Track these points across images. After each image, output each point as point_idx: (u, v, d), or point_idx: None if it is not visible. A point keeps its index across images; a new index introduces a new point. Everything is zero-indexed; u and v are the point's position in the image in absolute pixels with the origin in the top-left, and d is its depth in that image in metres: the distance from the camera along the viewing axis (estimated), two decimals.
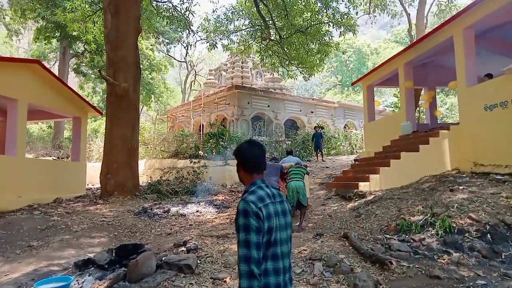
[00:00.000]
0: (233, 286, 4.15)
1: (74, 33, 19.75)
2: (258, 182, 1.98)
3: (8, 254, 5.88)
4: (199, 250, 5.47)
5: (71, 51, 25.66)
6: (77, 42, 24.21)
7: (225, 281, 4.27)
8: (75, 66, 26.53)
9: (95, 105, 17.66)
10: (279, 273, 1.85)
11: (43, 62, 12.34)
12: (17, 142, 9.81)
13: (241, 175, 2.07)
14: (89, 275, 4.48)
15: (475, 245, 4.83)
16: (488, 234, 4.97)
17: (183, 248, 5.58)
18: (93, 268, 4.67)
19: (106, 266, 4.60)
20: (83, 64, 26.37)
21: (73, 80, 35.30)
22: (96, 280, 4.33)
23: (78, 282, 4.31)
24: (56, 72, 20.57)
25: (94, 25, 16.58)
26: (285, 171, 8.04)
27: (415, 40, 12.51)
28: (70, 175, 11.94)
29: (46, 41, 22.83)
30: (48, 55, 31.15)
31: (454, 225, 5.24)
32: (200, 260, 4.97)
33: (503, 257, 4.61)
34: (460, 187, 6.85)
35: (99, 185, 11.83)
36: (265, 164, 2.08)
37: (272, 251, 1.84)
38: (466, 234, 5.07)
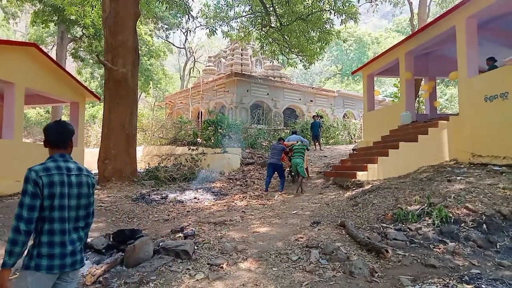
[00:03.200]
0: (230, 272, 4.18)
1: (72, 17, 19.51)
2: (56, 156, 2.29)
3: (6, 238, 5.89)
4: (196, 236, 5.50)
5: (69, 36, 25.33)
6: (75, 26, 23.89)
7: (222, 267, 4.30)
8: (73, 50, 26.21)
9: (93, 90, 17.51)
10: (64, 233, 2.20)
11: (40, 46, 12.19)
12: (14, 126, 9.76)
13: (47, 149, 2.36)
14: (86, 259, 4.50)
15: (471, 235, 4.86)
16: (484, 224, 5.00)
17: (181, 234, 5.60)
18: (90, 252, 4.69)
19: (104, 250, 4.62)
20: (81, 49, 26.06)
21: (71, 65, 35.01)
22: (93, 264, 4.35)
23: None
24: (53, 56, 20.34)
25: (93, 9, 16.36)
26: (288, 149, 10.43)
27: (416, 30, 12.38)
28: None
29: (44, 24, 22.50)
30: (46, 39, 30.75)
31: (451, 215, 5.26)
32: (197, 246, 4.99)
33: (498, 247, 4.64)
34: (458, 178, 6.87)
35: (96, 171, 11.82)
36: (65, 142, 2.35)
37: (60, 215, 2.18)
38: (462, 224, 5.10)
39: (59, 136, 2.33)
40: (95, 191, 9.54)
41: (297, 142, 10.35)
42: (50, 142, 2.33)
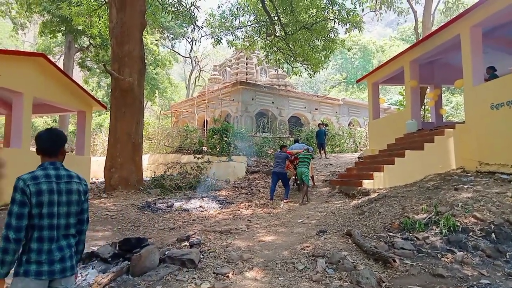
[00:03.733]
0: (236, 281, 4.16)
1: (80, 27, 19.78)
2: (46, 164, 2.30)
3: None
4: (202, 245, 5.48)
5: (76, 45, 25.67)
6: (82, 36, 24.22)
7: (227, 276, 4.28)
8: (80, 60, 26.54)
9: (99, 99, 17.68)
10: (53, 240, 2.21)
11: (48, 56, 12.37)
12: (23, 135, 9.87)
13: (39, 156, 2.37)
14: (92, 268, 4.50)
15: (479, 244, 4.80)
16: (493, 234, 4.93)
17: (186, 243, 5.58)
18: (96, 261, 4.69)
19: (110, 259, 4.61)
20: (88, 59, 26.37)
21: (78, 75, 35.37)
22: (99, 273, 4.34)
23: (81, 275, 4.33)
24: (61, 66, 20.60)
25: (100, 19, 16.58)
26: (292, 157, 10.43)
27: (421, 38, 12.40)
28: (74, 168, 11.72)
29: (52, 35, 22.82)
30: (54, 49, 31.17)
31: (459, 224, 5.21)
32: (203, 255, 4.97)
33: (507, 256, 4.57)
34: (465, 186, 6.81)
35: (103, 179, 11.88)
36: (56, 150, 2.35)
37: (49, 222, 2.19)
38: (471, 233, 5.04)
39: (50, 144, 2.34)
40: (101, 200, 9.62)
41: (302, 151, 10.28)
42: (41, 150, 2.35)
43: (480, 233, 4.99)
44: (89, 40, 24.08)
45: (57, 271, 2.21)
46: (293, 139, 13.26)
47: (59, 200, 2.25)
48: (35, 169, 2.30)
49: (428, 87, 14.07)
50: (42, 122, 33.01)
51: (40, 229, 2.19)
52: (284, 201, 9.64)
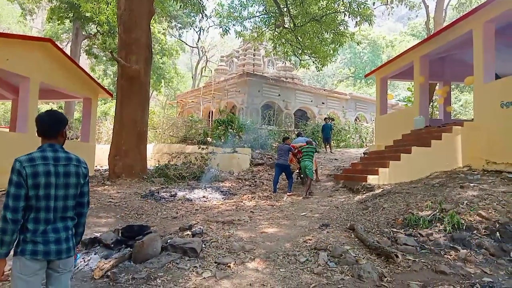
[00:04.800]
0: (237, 271, 4.16)
1: (87, 14, 19.73)
2: (44, 146, 2.30)
3: None
4: (204, 235, 5.49)
5: (83, 33, 25.66)
6: (90, 23, 24.16)
7: (229, 266, 4.28)
8: (87, 47, 26.54)
9: (105, 87, 17.69)
10: (49, 222, 2.23)
11: (55, 43, 12.35)
12: (28, 120, 9.90)
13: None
14: (95, 254, 4.53)
15: (483, 242, 4.75)
16: (497, 232, 4.88)
17: (189, 232, 5.60)
18: (99, 247, 4.72)
19: (112, 245, 4.64)
20: (95, 46, 26.36)
21: (84, 62, 35.39)
22: (101, 258, 4.36)
23: (84, 260, 4.36)
24: (68, 53, 20.62)
25: (108, 6, 16.55)
26: (296, 151, 10.27)
27: (432, 33, 12.21)
28: (79, 155, 11.96)
29: (59, 21, 22.81)
30: (61, 35, 31.19)
31: (463, 222, 5.16)
32: (205, 245, 4.98)
33: (511, 255, 4.53)
34: (471, 184, 6.74)
35: (107, 167, 11.93)
36: (55, 132, 2.35)
37: (46, 204, 2.21)
38: (475, 231, 4.99)
39: (49, 126, 2.33)
40: (105, 187, 9.66)
41: (305, 144, 10.20)
42: (41, 132, 2.35)
43: (485, 232, 4.94)
44: (96, 27, 24.04)
45: (52, 252, 2.21)
46: (297, 132, 13.30)
47: (57, 183, 2.25)
48: None
49: (438, 83, 13.90)
50: (48, 108, 33.16)
51: (37, 210, 2.21)
52: (288, 194, 9.62)
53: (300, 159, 10.06)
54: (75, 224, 2.43)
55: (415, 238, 5.08)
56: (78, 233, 2.48)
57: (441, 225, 5.24)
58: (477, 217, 5.25)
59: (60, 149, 2.35)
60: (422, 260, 4.45)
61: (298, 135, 12.56)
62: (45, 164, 2.21)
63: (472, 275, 4.07)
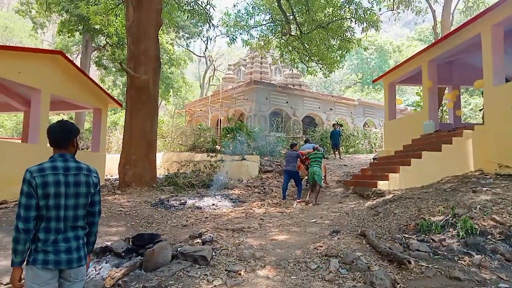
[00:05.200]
0: (247, 279, 4.13)
1: (97, 26, 20.06)
2: (55, 156, 2.32)
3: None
4: (214, 243, 5.48)
5: (93, 44, 26.10)
6: (99, 35, 24.60)
7: (239, 274, 4.26)
8: (97, 59, 26.97)
9: (115, 97, 17.92)
10: (59, 232, 2.24)
11: (66, 55, 12.58)
12: (40, 131, 10.05)
13: None
14: (106, 262, 4.54)
15: (498, 247, 4.66)
16: None
17: (199, 240, 5.59)
18: (110, 255, 4.73)
19: (123, 254, 4.65)
20: (105, 58, 26.78)
21: (94, 73, 35.94)
22: (112, 267, 4.38)
23: (95, 269, 4.38)
24: (78, 65, 20.96)
25: (116, 18, 16.81)
26: (303, 157, 10.27)
27: (440, 37, 12.15)
28: (89, 165, 12.11)
29: (70, 34, 23.26)
30: (71, 48, 31.71)
31: (476, 227, 5.07)
32: (215, 252, 4.97)
33: None
34: (484, 188, 6.64)
35: (117, 176, 12.02)
36: (66, 142, 2.36)
37: (56, 214, 2.22)
38: (489, 236, 4.90)
39: (60, 137, 2.35)
40: (115, 196, 9.72)
41: (313, 151, 10.08)
42: (52, 142, 2.37)
43: (499, 237, 4.85)
44: (105, 39, 24.46)
45: (63, 261, 2.22)
46: (305, 139, 13.31)
47: (67, 192, 2.25)
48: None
49: (446, 87, 13.79)
50: (59, 119, 33.62)
51: (48, 220, 2.22)
52: (297, 201, 9.57)
53: (309, 166, 9.97)
54: (87, 233, 2.44)
55: (428, 244, 5.01)
56: (90, 242, 2.49)
57: (454, 230, 5.16)
58: (490, 221, 5.17)
59: (71, 159, 2.37)
60: (436, 266, 4.38)
61: (306, 141, 12.53)
62: (55, 174, 2.23)
63: (488, 281, 3.99)
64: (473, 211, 5.54)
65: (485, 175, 7.94)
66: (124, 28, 15.07)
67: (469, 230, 5.01)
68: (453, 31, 9.96)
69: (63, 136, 2.36)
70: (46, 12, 23.24)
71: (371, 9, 14.81)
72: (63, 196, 2.24)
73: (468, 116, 30.80)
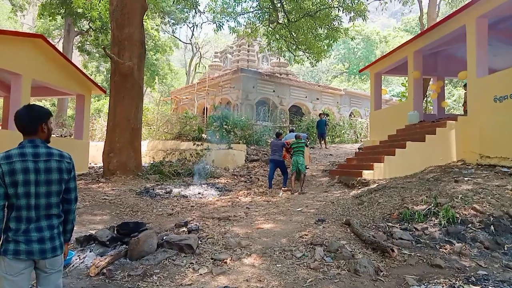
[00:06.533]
0: (233, 267, 4.15)
1: (79, 10, 19.52)
2: (24, 142, 2.22)
3: None
4: (200, 231, 5.48)
5: (75, 29, 25.37)
6: (82, 20, 23.89)
7: (225, 262, 4.27)
8: (80, 44, 26.24)
9: (99, 84, 17.56)
10: (31, 221, 2.16)
11: (47, 39, 12.21)
12: None
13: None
14: (90, 251, 4.49)
15: (478, 236, 4.79)
16: (492, 226, 4.92)
17: (184, 229, 5.58)
18: (94, 244, 4.68)
19: (108, 242, 4.60)
20: (88, 43, 26.09)
21: (77, 59, 35.11)
22: (97, 256, 4.33)
23: (79, 257, 4.32)
24: (60, 50, 20.38)
25: (100, 1, 16.37)
26: (288, 146, 10.22)
27: (426, 28, 12.24)
28: (73, 153, 11.64)
29: (51, 17, 22.50)
30: (53, 32, 30.80)
31: (458, 216, 5.19)
32: (201, 241, 4.97)
33: (505, 248, 4.57)
34: (465, 178, 6.79)
35: (101, 164, 11.84)
36: (35, 127, 2.24)
37: (26, 202, 2.13)
38: (469, 225, 5.03)
39: (28, 122, 2.24)
40: (99, 184, 9.59)
41: (296, 139, 10.08)
42: (20, 128, 2.26)
43: (479, 225, 4.98)
44: (88, 23, 23.77)
45: (35, 251, 2.15)
46: (290, 129, 13.35)
47: (37, 179, 2.16)
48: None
49: (431, 78, 13.96)
50: (41, 105, 32.85)
51: (18, 209, 2.14)
52: (283, 189, 9.63)
53: (292, 155, 10.03)
54: (63, 221, 2.36)
55: (411, 232, 5.11)
56: (67, 230, 2.41)
57: (436, 219, 5.28)
58: (471, 211, 5.29)
59: (42, 145, 2.25)
60: (418, 254, 4.48)
61: (291, 131, 12.60)
62: (23, 161, 2.13)
63: (467, 268, 4.10)
64: (454, 201, 5.66)
65: (467, 165, 8.13)
66: (107, 12, 14.69)
67: (450, 219, 5.13)
68: (438, 22, 10.04)
69: (31, 122, 2.24)
70: None
71: None
72: (33, 184, 2.15)
73: (451, 107, 31.34)
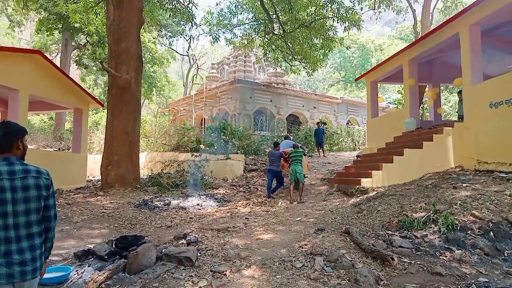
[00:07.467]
0: (233, 279, 4.12)
1: (76, 25, 19.66)
2: None
3: None
4: (199, 243, 5.45)
5: (73, 43, 25.55)
6: (79, 34, 24.09)
7: (225, 274, 4.24)
8: (77, 58, 26.42)
9: (96, 97, 17.59)
10: (10, 241, 2.07)
11: (45, 54, 12.29)
12: None
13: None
14: (88, 266, 4.45)
15: (478, 242, 4.78)
16: (491, 232, 4.91)
17: (183, 241, 5.55)
18: (92, 258, 4.64)
19: (106, 257, 4.57)
20: (85, 56, 26.25)
21: (74, 73, 35.18)
22: (95, 270, 4.30)
23: (77, 272, 4.29)
24: (58, 64, 20.50)
25: (97, 16, 16.47)
26: (287, 156, 10.31)
27: (420, 36, 12.37)
28: (71, 166, 11.93)
29: (48, 32, 22.68)
30: (50, 47, 30.99)
31: (457, 222, 5.18)
32: (200, 253, 4.94)
33: (505, 255, 4.56)
34: (464, 185, 6.80)
35: (99, 177, 11.81)
36: (9, 144, 2.19)
37: (3, 222, 2.05)
38: (469, 232, 5.02)
39: (2, 139, 2.17)
40: (98, 197, 9.55)
41: (293, 148, 10.18)
42: None
43: (479, 232, 4.97)
44: (86, 37, 23.95)
45: (16, 274, 2.08)
46: (284, 136, 13.31)
47: (14, 198, 2.09)
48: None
49: (427, 85, 14.06)
50: (39, 119, 32.85)
51: (6, 229, 2.07)
52: (272, 195, 9.96)
53: (290, 164, 10.05)
54: (44, 240, 2.30)
55: (410, 240, 5.10)
56: (46, 248, 2.35)
57: (436, 226, 5.27)
58: (470, 217, 5.29)
59: (17, 162, 2.19)
60: (418, 262, 4.46)
61: (285, 138, 12.62)
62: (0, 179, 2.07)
63: (468, 276, 4.09)
64: (453, 207, 5.66)
65: (465, 171, 8.14)
66: (104, 26, 14.79)
67: (450, 226, 5.12)
68: (432, 30, 10.16)
69: (6, 139, 2.19)
70: (23, 10, 22.64)
71: (353, 8, 14.98)
72: (10, 202, 2.08)
73: (448, 113, 31.48)
